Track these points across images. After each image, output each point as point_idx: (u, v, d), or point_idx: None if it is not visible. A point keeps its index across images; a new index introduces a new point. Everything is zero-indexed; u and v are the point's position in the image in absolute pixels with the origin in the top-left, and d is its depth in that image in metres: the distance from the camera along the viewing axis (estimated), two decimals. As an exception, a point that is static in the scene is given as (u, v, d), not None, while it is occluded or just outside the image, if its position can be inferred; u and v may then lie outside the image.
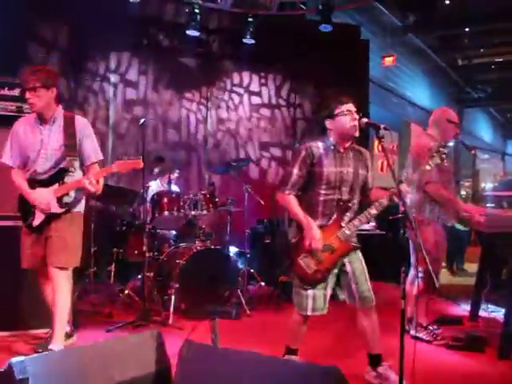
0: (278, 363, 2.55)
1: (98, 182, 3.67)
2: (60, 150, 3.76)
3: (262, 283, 6.18)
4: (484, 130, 22.33)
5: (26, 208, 3.81)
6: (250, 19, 7.46)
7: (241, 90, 8.32)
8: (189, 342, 2.59)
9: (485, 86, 17.62)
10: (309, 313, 3.35)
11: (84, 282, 5.66)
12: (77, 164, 3.81)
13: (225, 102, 8.18)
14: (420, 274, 4.37)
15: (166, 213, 5.30)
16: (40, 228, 3.77)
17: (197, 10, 7.04)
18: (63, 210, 3.76)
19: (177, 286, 4.98)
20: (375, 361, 3.48)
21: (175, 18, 7.56)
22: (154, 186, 5.90)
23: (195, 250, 5.18)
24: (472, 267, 7.45)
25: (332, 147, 3.40)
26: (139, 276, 5.16)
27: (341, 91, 3.48)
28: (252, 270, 6.06)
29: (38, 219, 3.76)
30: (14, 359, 2.15)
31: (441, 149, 3.53)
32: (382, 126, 3.20)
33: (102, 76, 7.22)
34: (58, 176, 3.76)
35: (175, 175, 6.27)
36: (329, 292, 3.37)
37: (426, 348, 4.21)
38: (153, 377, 2.54)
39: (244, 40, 7.56)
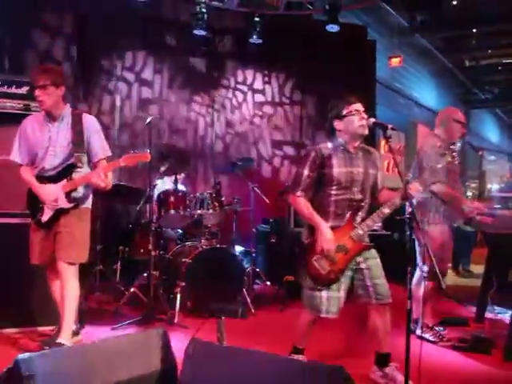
0: (284, 362, 2.55)
1: (106, 176, 3.70)
2: (68, 147, 3.81)
3: (268, 282, 6.18)
4: (491, 131, 22.26)
5: (34, 204, 3.85)
6: (257, 19, 7.45)
7: (244, 88, 8.31)
8: (195, 341, 2.59)
9: (492, 87, 17.57)
10: (323, 314, 3.34)
11: (90, 280, 5.68)
12: (85, 160, 3.85)
13: (229, 101, 8.16)
14: (425, 274, 4.37)
15: (172, 211, 5.31)
16: (49, 224, 3.81)
17: (204, 10, 7.04)
18: (71, 205, 3.80)
19: (183, 284, 4.99)
20: (383, 360, 3.48)
21: (181, 17, 7.55)
22: (161, 185, 5.90)
23: (201, 249, 5.18)
24: (478, 268, 7.43)
25: (341, 147, 3.40)
26: (145, 274, 5.16)
27: (348, 91, 3.48)
28: (257, 269, 6.07)
29: (47, 215, 3.80)
30: (21, 356, 2.17)
31: (451, 147, 3.52)
32: (389, 126, 3.21)
33: (108, 72, 7.24)
34: (65, 172, 3.80)
35: (182, 175, 6.27)
36: (342, 294, 3.35)
37: (431, 349, 4.20)
38: (158, 375, 2.55)
39: (251, 40, 7.55)
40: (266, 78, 8.47)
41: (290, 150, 8.57)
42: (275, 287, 5.98)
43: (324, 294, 3.32)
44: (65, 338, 3.76)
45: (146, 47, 7.45)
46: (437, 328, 4.49)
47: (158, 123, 7.26)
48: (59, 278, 3.82)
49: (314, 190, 3.42)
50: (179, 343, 2.71)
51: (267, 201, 6.12)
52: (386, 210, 3.30)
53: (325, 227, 3.29)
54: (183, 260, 5.13)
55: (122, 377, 2.41)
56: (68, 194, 3.78)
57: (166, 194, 5.44)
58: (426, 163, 4.23)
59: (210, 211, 5.39)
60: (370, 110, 3.44)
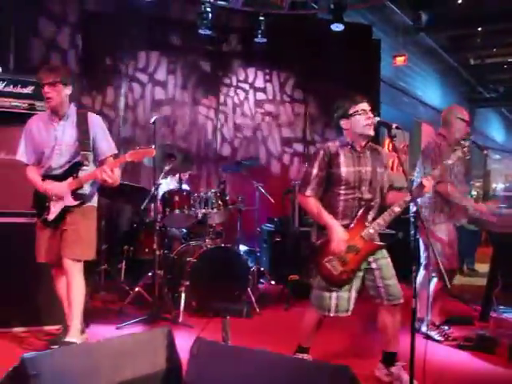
0: (289, 361, 2.55)
1: (113, 172, 3.72)
2: (74, 146, 3.84)
3: (272, 282, 6.18)
4: (496, 130, 22.19)
5: (40, 203, 3.87)
6: (262, 18, 7.45)
7: (246, 86, 8.30)
8: (199, 340, 2.60)
9: (497, 86, 17.51)
10: (332, 314, 3.33)
11: (95, 280, 5.69)
12: (91, 158, 3.88)
13: (233, 100, 8.17)
14: (433, 274, 4.37)
15: (177, 211, 5.31)
16: (55, 222, 3.84)
17: (208, 9, 7.04)
18: (77, 202, 3.83)
19: (187, 283, 4.99)
20: (389, 359, 3.48)
21: (187, 16, 7.55)
22: (165, 185, 5.91)
23: (205, 248, 5.19)
24: (482, 267, 7.42)
25: (349, 147, 3.40)
26: (150, 274, 5.17)
27: (352, 90, 3.48)
28: (262, 269, 6.07)
29: (53, 214, 3.82)
30: (27, 355, 2.17)
31: (462, 142, 3.51)
32: (393, 126, 3.20)
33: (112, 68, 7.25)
34: (72, 170, 3.84)
35: (186, 173, 6.28)
36: (353, 294, 3.34)
37: (436, 348, 4.20)
38: (163, 374, 2.55)
39: (255, 39, 7.55)
40: (269, 77, 8.46)
41: (299, 148, 8.60)
42: (280, 286, 5.98)
43: (333, 293, 3.32)
44: (74, 336, 3.79)
45: (151, 46, 7.46)
46: (442, 327, 4.49)
47: (167, 123, 7.30)
48: (65, 275, 3.84)
49: (323, 190, 3.41)
50: (184, 342, 2.71)
51: (272, 200, 6.13)
52: (397, 209, 3.29)
53: (337, 227, 3.28)
54: (188, 259, 5.14)
55: (127, 376, 2.42)
56: (74, 192, 3.81)
57: (170, 193, 5.44)
58: (431, 164, 4.22)
59: (215, 210, 5.40)
60: (374, 109, 3.43)
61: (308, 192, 3.38)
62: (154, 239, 4.98)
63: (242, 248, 6.41)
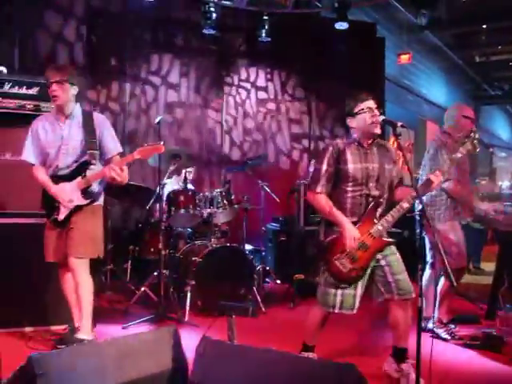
0: (294, 360, 2.55)
1: (122, 170, 3.73)
2: (81, 145, 3.86)
3: (278, 281, 6.18)
4: (501, 127, 22.13)
5: (50, 203, 3.89)
6: (266, 17, 7.45)
7: (248, 86, 8.31)
8: (205, 339, 2.60)
9: (502, 84, 17.46)
10: (336, 310, 3.33)
11: (101, 280, 5.70)
12: (98, 157, 3.89)
13: (236, 99, 8.19)
14: (441, 273, 4.36)
15: (182, 211, 5.32)
16: (64, 222, 3.85)
17: (212, 9, 7.04)
18: (88, 201, 3.86)
19: (193, 283, 5.00)
20: (400, 355, 3.46)
21: (191, 16, 7.56)
22: (170, 184, 5.92)
23: (211, 248, 5.19)
24: (488, 266, 7.39)
25: (356, 144, 3.39)
26: (155, 273, 5.18)
27: (357, 89, 3.47)
28: (267, 268, 6.07)
29: (63, 214, 3.84)
30: (34, 354, 2.18)
31: (472, 135, 3.49)
32: (398, 124, 3.19)
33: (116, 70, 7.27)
34: (79, 169, 3.85)
35: (191, 173, 6.27)
36: (359, 292, 3.33)
37: (442, 346, 4.19)
38: (169, 373, 2.56)
39: (259, 38, 7.55)
40: (270, 76, 8.45)
41: (300, 148, 8.61)
42: (285, 286, 5.98)
43: (339, 291, 3.32)
44: (85, 333, 3.83)
45: (155, 45, 7.47)
46: (449, 325, 4.48)
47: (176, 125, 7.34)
48: (72, 274, 3.86)
49: (331, 187, 3.40)
50: (190, 342, 2.72)
51: (277, 199, 6.13)
52: (406, 205, 3.28)
53: (349, 224, 3.28)
54: (193, 259, 5.14)
55: (133, 375, 2.43)
56: (83, 191, 3.83)
57: (175, 193, 5.45)
58: (437, 162, 4.21)
59: (220, 210, 5.40)
60: (379, 107, 3.43)
61: (318, 189, 3.37)
62: (160, 239, 4.98)
63: (248, 247, 6.41)
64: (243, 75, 8.22)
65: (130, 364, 2.44)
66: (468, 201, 4.44)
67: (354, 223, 3.32)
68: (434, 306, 4.42)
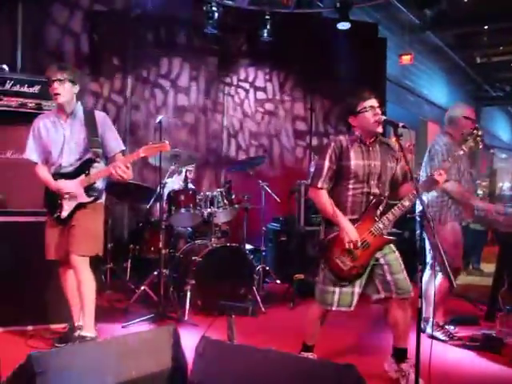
0: (294, 360, 2.56)
1: (127, 167, 3.75)
2: (83, 143, 3.87)
3: (278, 281, 6.18)
4: (502, 128, 22.10)
5: (52, 201, 3.89)
6: (268, 17, 7.44)
7: (246, 86, 8.32)
8: (205, 339, 2.60)
9: (503, 85, 17.43)
10: (334, 308, 3.34)
11: (101, 279, 5.70)
12: (101, 155, 3.91)
13: (233, 98, 8.19)
14: (440, 274, 4.36)
15: (183, 210, 5.32)
16: (67, 219, 3.85)
17: (214, 8, 7.04)
18: (91, 199, 3.86)
19: (193, 282, 5.00)
20: (400, 355, 3.46)
21: (193, 16, 7.56)
22: (171, 184, 5.92)
23: (211, 247, 5.19)
24: (488, 267, 7.39)
25: (358, 141, 3.39)
26: (155, 273, 5.18)
27: (360, 88, 3.46)
28: (267, 268, 6.07)
29: (66, 211, 3.84)
30: (33, 353, 2.19)
31: (475, 131, 3.49)
32: (400, 125, 3.18)
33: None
34: (83, 167, 3.86)
35: (192, 172, 6.27)
36: (357, 290, 3.34)
37: (441, 348, 4.19)
38: (169, 372, 2.56)
39: (261, 38, 7.54)
40: (272, 76, 8.47)
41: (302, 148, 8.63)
42: (285, 285, 5.98)
43: (337, 288, 3.33)
44: (89, 330, 3.83)
45: (157, 45, 7.48)
46: (447, 327, 4.48)
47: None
48: (74, 272, 3.86)
49: (332, 184, 3.40)
50: (189, 341, 2.72)
51: (278, 199, 6.13)
52: (407, 203, 3.28)
53: (348, 225, 3.27)
54: (193, 258, 5.14)
55: (133, 375, 2.43)
56: (87, 189, 3.83)
57: (176, 192, 5.45)
58: (438, 162, 4.21)
59: (220, 210, 5.40)
60: (381, 106, 3.42)
61: (319, 184, 3.37)
62: (160, 238, 4.99)
63: (248, 247, 6.42)
64: (244, 75, 8.23)
65: (130, 363, 2.44)
66: (469, 201, 4.44)
67: (355, 221, 3.32)
68: (434, 306, 4.41)
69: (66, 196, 3.81)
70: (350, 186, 3.35)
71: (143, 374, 2.46)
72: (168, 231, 5.57)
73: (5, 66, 4.66)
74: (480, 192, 10.56)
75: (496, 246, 5.29)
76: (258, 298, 5.29)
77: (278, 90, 8.50)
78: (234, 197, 5.50)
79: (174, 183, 6.05)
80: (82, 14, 6.80)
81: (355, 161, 3.33)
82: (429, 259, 4.55)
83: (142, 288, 5.18)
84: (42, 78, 4.27)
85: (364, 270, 3.33)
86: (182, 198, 5.35)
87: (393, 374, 3.46)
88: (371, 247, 3.31)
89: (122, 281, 5.89)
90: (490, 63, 15.27)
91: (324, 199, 3.37)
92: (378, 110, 3.33)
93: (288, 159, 8.52)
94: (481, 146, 3.56)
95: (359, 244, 3.26)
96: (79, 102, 3.98)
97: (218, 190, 5.46)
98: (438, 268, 4.38)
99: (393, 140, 3.43)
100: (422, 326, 4.29)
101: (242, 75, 8.23)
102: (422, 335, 3.06)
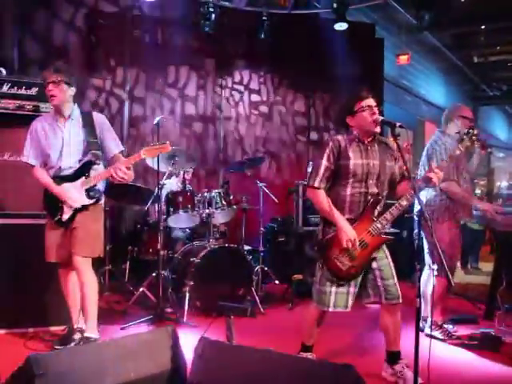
0: (293, 361, 2.56)
1: (129, 168, 3.75)
2: (82, 145, 3.87)
3: (276, 281, 6.19)
4: (499, 128, 22.12)
5: (53, 204, 3.87)
6: (265, 18, 7.45)
7: (242, 87, 8.35)
8: (204, 340, 2.61)
9: (500, 84, 17.44)
10: (330, 309, 3.34)
11: (99, 280, 5.69)
12: (101, 157, 3.91)
13: (231, 100, 8.21)
14: (435, 273, 4.36)
15: (181, 211, 5.32)
16: (68, 222, 3.85)
17: (211, 9, 7.04)
18: (93, 201, 3.87)
19: (191, 283, 4.99)
20: (393, 358, 3.48)
21: (189, 17, 7.56)
22: (169, 185, 5.93)
23: (209, 249, 5.19)
24: (486, 266, 7.41)
25: (356, 140, 3.38)
26: (154, 274, 5.18)
27: (358, 88, 3.46)
28: (266, 269, 6.07)
29: (67, 214, 3.84)
30: (33, 355, 2.19)
31: (470, 131, 3.48)
32: (397, 124, 3.18)
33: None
34: (83, 170, 3.86)
35: (189, 174, 6.28)
36: (352, 290, 3.34)
37: (440, 347, 4.19)
38: (168, 374, 2.56)
39: (259, 39, 7.55)
40: (268, 77, 8.48)
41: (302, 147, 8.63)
42: (284, 286, 5.98)
43: (333, 289, 3.33)
44: (92, 332, 3.84)
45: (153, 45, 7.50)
46: (446, 326, 4.48)
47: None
48: (77, 274, 3.86)
49: (330, 183, 3.40)
50: (188, 342, 2.72)
51: (276, 200, 6.14)
52: (405, 203, 3.27)
53: (345, 224, 3.27)
54: (192, 259, 5.14)
55: (132, 376, 2.43)
56: (88, 191, 3.83)
57: (174, 193, 5.45)
58: (436, 162, 4.22)
59: (219, 210, 5.41)
60: (378, 106, 3.42)
61: (317, 184, 3.36)
62: (158, 239, 4.99)
63: (246, 248, 6.42)
64: (242, 76, 8.23)
65: (129, 365, 2.44)
66: (467, 201, 4.44)
67: (353, 220, 3.32)
68: (432, 306, 4.42)
69: (68, 201, 3.80)
70: (349, 186, 3.34)
71: (142, 376, 2.46)
72: (166, 232, 5.57)
73: (1, 69, 4.65)
74: (478, 191, 10.58)
75: (494, 244, 5.29)
76: (257, 298, 5.29)
77: (273, 92, 8.52)
78: (232, 197, 5.50)
79: (171, 184, 6.05)
80: (82, 14, 6.84)
81: (354, 160, 3.32)
82: (427, 258, 4.55)
83: (141, 289, 5.19)
84: (39, 81, 4.28)
85: (362, 269, 3.33)
86: (180, 199, 5.36)
87: (390, 378, 3.47)
88: (369, 247, 3.31)
89: (120, 282, 5.88)
90: (487, 63, 15.29)
91: (321, 198, 3.36)
92: (376, 110, 3.32)
93: (287, 159, 8.51)
94: (476, 146, 3.55)
95: (357, 243, 3.26)
96: (76, 104, 3.98)
97: (216, 190, 5.46)
98: (436, 267, 4.38)
99: (390, 140, 3.42)
100: (421, 325, 4.31)
101: (239, 77, 8.23)
102: (421, 334, 3.07)
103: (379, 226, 3.31)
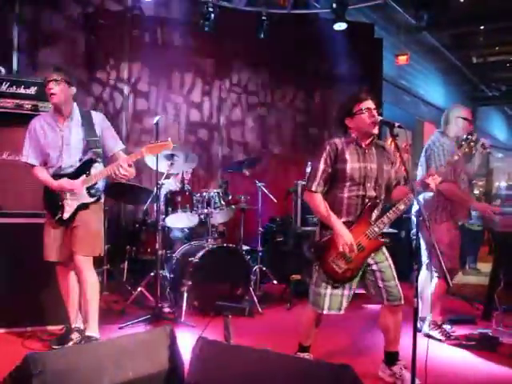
0: (291, 361, 2.56)
1: (130, 166, 3.76)
2: (82, 144, 3.87)
3: (274, 281, 6.19)
4: (498, 128, 22.13)
5: (53, 203, 3.87)
6: (264, 18, 7.45)
7: (240, 88, 8.35)
8: (202, 339, 2.61)
9: (499, 85, 17.44)
10: (325, 312, 3.34)
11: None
12: (101, 155, 3.91)
13: (229, 101, 8.22)
14: (435, 274, 4.37)
15: (179, 211, 5.33)
16: (69, 220, 3.84)
17: (211, 10, 7.04)
18: (94, 199, 3.87)
19: (189, 283, 4.99)
20: (391, 359, 3.48)
21: (188, 17, 7.56)
22: (167, 185, 5.93)
23: (208, 248, 5.19)
24: (485, 267, 7.41)
25: (354, 143, 3.38)
26: (152, 274, 5.18)
27: (356, 89, 3.46)
28: (264, 268, 6.07)
29: (68, 212, 3.83)
30: (30, 354, 2.19)
31: (469, 137, 3.49)
32: (396, 125, 3.18)
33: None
34: (84, 168, 3.86)
35: (188, 174, 6.28)
36: (347, 293, 3.34)
37: (438, 347, 4.20)
38: (166, 373, 2.57)
39: (257, 39, 7.54)
40: (267, 76, 8.48)
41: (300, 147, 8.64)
42: (282, 286, 5.98)
43: (328, 291, 3.32)
44: (93, 331, 3.83)
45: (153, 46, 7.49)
46: (444, 326, 4.49)
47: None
48: (78, 272, 3.86)
49: (328, 187, 3.39)
50: (186, 342, 2.72)
51: (274, 200, 6.14)
52: (402, 207, 3.27)
53: (341, 227, 3.26)
54: (190, 259, 5.14)
55: (130, 375, 2.43)
56: (88, 189, 3.84)
57: (172, 193, 5.45)
58: (434, 162, 4.22)
59: (217, 210, 5.41)
60: (377, 108, 3.42)
61: (314, 187, 3.35)
62: (157, 239, 4.99)
63: (244, 247, 6.42)
64: (241, 76, 8.23)
65: (127, 364, 2.44)
66: (465, 203, 4.45)
67: (350, 223, 3.32)
68: (429, 306, 4.43)
69: (69, 196, 3.80)
70: (346, 189, 3.33)
71: (140, 375, 2.46)
72: (165, 232, 5.57)
73: (0, 68, 4.65)
74: (476, 192, 10.59)
75: (492, 245, 5.29)
76: (255, 298, 5.30)
77: (272, 91, 8.50)
78: (230, 197, 5.50)
79: (170, 184, 6.05)
80: (81, 14, 6.84)
81: (351, 163, 3.31)
82: (425, 259, 4.56)
83: (139, 289, 5.19)
84: (39, 80, 4.27)
85: (358, 272, 3.33)
86: (179, 199, 5.36)
87: (388, 379, 3.47)
88: (366, 250, 3.31)
89: (118, 282, 5.88)
90: (486, 63, 15.30)
91: (318, 202, 3.35)
92: (375, 112, 3.32)
93: (286, 159, 8.51)
94: (474, 152, 3.56)
95: (355, 247, 3.26)
96: (75, 104, 3.97)
97: (215, 190, 5.46)
98: (434, 268, 4.39)
99: (389, 140, 3.43)
100: (419, 325, 4.32)
101: (238, 77, 8.22)
102: (419, 335, 3.07)
103: (376, 229, 3.30)
